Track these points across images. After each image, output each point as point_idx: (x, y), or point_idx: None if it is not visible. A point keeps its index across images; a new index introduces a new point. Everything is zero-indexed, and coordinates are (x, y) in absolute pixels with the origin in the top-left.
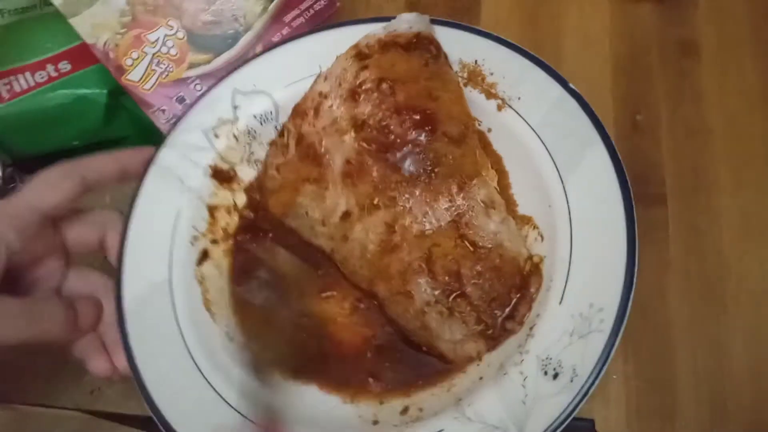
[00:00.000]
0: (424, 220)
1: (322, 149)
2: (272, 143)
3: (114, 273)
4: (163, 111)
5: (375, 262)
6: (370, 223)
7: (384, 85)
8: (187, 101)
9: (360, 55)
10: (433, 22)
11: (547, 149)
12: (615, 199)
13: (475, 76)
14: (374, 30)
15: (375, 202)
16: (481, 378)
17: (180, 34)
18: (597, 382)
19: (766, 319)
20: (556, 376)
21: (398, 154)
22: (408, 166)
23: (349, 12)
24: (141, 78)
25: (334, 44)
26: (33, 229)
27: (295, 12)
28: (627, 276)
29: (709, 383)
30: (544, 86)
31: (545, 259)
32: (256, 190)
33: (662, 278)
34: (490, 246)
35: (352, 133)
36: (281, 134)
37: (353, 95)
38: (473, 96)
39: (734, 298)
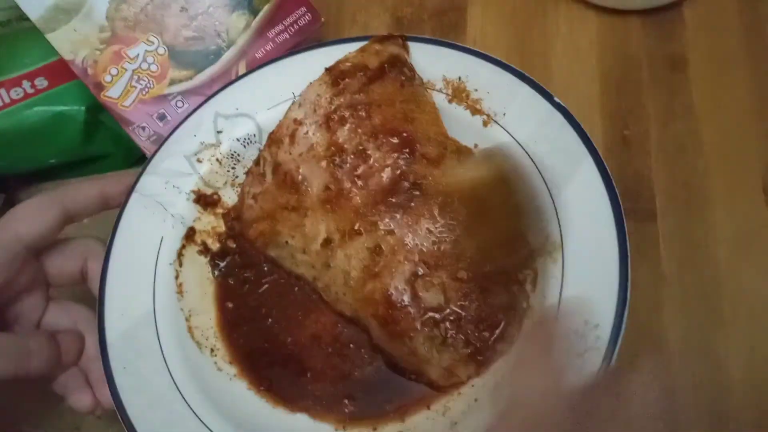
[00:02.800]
0: (406, 243)
1: (300, 176)
2: (249, 172)
3: (95, 303)
4: (143, 128)
5: (358, 289)
6: (351, 249)
7: (359, 109)
8: (168, 118)
9: (334, 80)
10: (415, 39)
11: (535, 165)
12: (606, 213)
13: (459, 92)
14: (347, 54)
15: (356, 227)
16: (476, 400)
17: (161, 50)
18: None
19: (765, 332)
20: None
21: (377, 178)
22: (388, 189)
23: (334, 28)
24: (120, 95)
25: (316, 65)
26: (17, 261)
27: (279, 27)
28: (621, 291)
29: (708, 400)
30: (530, 101)
31: (537, 277)
32: (235, 218)
33: (657, 294)
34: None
35: (330, 159)
36: (257, 163)
37: (329, 121)
38: (458, 112)
39: (732, 312)
